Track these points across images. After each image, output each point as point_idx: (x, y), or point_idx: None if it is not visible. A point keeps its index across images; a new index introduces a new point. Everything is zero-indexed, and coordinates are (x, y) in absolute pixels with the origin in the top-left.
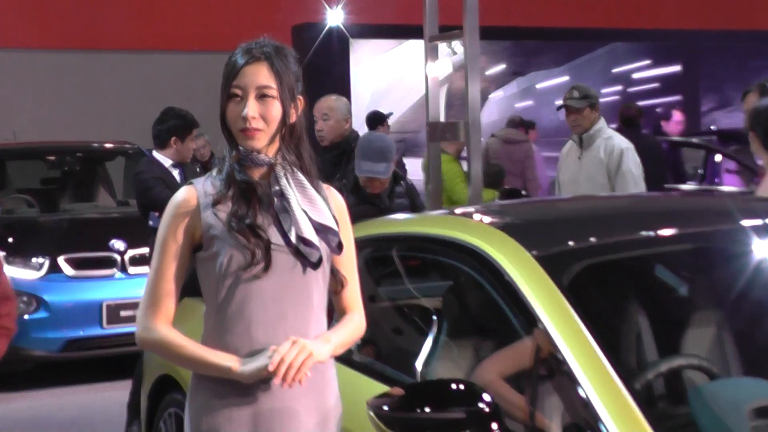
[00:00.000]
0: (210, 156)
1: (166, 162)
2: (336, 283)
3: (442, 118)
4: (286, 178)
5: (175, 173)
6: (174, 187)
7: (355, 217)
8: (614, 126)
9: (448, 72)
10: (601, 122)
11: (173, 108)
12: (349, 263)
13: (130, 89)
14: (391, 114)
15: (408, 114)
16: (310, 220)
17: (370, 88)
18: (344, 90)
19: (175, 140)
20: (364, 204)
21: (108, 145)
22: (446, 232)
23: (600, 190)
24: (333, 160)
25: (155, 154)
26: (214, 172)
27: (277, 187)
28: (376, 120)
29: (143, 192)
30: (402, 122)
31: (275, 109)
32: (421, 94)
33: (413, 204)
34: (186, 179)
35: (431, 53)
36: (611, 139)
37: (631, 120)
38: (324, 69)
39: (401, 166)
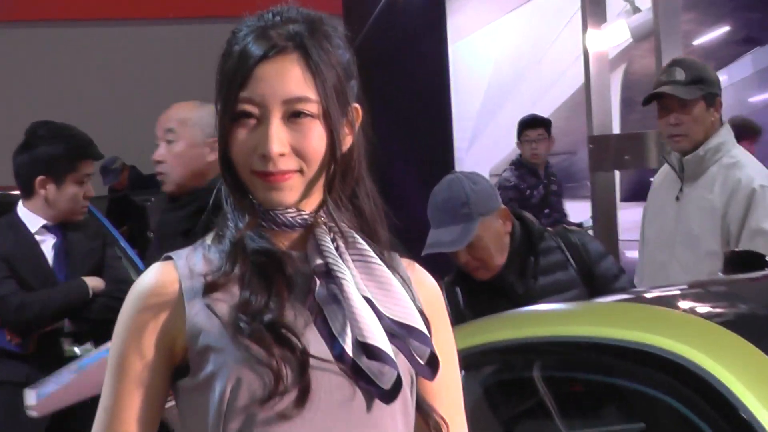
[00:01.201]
0: None
1: (34, 223)
2: (428, 430)
3: (616, 128)
4: (337, 247)
5: (47, 246)
6: (38, 277)
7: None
8: None
9: (624, 43)
10: (724, 133)
11: (49, 123)
12: (450, 394)
13: (83, 83)
14: (547, 123)
15: (553, 122)
16: (380, 315)
17: (481, 77)
18: (437, 80)
19: (43, 181)
20: (485, 297)
21: None
22: (631, 335)
23: (709, 259)
24: (184, 220)
25: (20, 208)
26: (209, 238)
27: (319, 261)
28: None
29: None
30: None
31: (316, 137)
32: (576, 87)
33: (589, 276)
34: (68, 258)
35: (593, 13)
36: (738, 166)
37: None
38: (400, 48)
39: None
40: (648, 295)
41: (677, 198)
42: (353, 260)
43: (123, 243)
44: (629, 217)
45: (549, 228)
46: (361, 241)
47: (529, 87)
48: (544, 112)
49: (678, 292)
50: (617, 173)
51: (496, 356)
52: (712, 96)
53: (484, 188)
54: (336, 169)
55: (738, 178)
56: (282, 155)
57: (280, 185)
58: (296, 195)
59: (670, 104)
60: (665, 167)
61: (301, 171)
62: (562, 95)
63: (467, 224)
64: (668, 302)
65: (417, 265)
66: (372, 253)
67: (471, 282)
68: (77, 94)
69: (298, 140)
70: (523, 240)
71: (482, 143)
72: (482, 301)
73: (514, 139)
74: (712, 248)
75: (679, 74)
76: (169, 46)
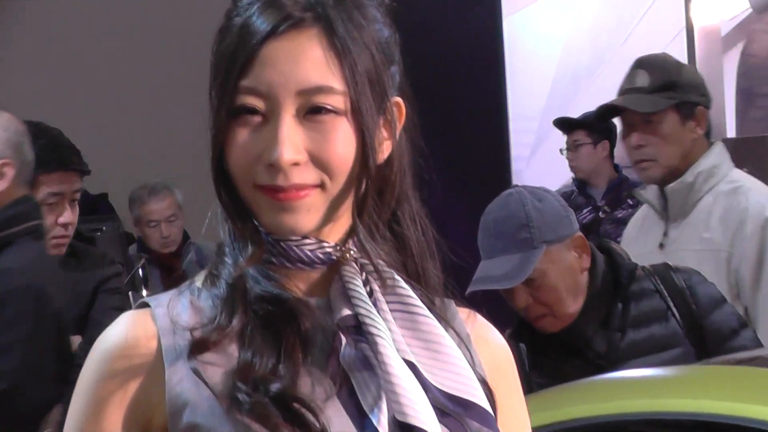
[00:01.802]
0: (181, 243)
1: None
2: None
3: (730, 129)
4: (370, 291)
5: None
6: None
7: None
8: None
9: (741, 14)
10: (717, 152)
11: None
12: None
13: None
14: (586, 123)
15: None
16: (426, 386)
17: (547, 61)
18: (488, 67)
19: None
20: (555, 357)
21: None
22: (755, 410)
23: None
24: None
25: None
26: (199, 279)
27: (347, 312)
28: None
29: None
30: None
31: (343, 140)
32: None
33: (698, 330)
34: None
35: None
36: (742, 192)
37: None
38: (438, 24)
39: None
40: None
41: (661, 245)
42: (392, 310)
43: None
44: None
45: (645, 265)
46: (403, 284)
47: (611, 75)
48: None
49: None
50: None
51: None
52: (689, 105)
53: (552, 208)
54: (369, 185)
55: (744, 207)
56: (296, 164)
57: (294, 204)
58: (315, 218)
59: (632, 119)
60: (642, 211)
61: (321, 186)
62: None
63: (527, 254)
64: None
65: (479, 317)
66: (418, 302)
67: (538, 336)
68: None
69: (317, 144)
70: (608, 279)
71: (548, 151)
72: (551, 361)
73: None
74: None
75: (642, 79)
76: (145, 20)
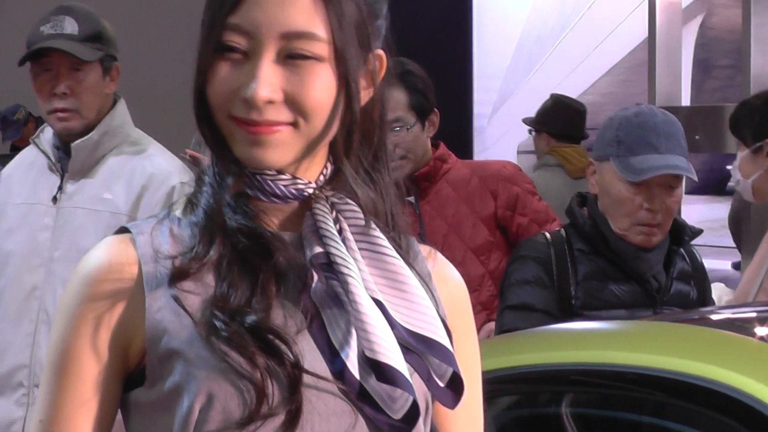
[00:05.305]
0: None
1: None
2: None
3: (686, 98)
4: (340, 231)
5: None
6: None
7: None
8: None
9: None
10: (120, 111)
11: None
12: (469, 421)
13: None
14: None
15: (602, 89)
16: (392, 323)
17: (513, 23)
18: (455, 25)
19: None
20: (606, 273)
21: None
22: (692, 366)
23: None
24: None
25: None
26: (177, 207)
27: (318, 249)
28: None
29: None
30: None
31: (321, 85)
32: (636, 43)
33: (704, 301)
34: None
35: None
36: (147, 156)
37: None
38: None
39: None
40: (714, 317)
41: (54, 199)
42: (360, 249)
43: None
44: (697, 215)
45: None
46: (372, 224)
47: (574, 39)
48: (594, 73)
49: (755, 311)
50: None
51: (515, 386)
52: (110, 59)
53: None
54: (345, 129)
55: (150, 173)
56: (271, 102)
57: (265, 138)
58: (286, 155)
59: (57, 66)
60: (28, 157)
61: (294, 124)
62: (617, 52)
63: (687, 159)
64: (745, 326)
65: (439, 255)
66: (385, 242)
67: (606, 248)
68: None
69: (294, 86)
70: (671, 231)
71: (510, 110)
72: (604, 277)
73: None
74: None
75: (71, 26)
76: None
